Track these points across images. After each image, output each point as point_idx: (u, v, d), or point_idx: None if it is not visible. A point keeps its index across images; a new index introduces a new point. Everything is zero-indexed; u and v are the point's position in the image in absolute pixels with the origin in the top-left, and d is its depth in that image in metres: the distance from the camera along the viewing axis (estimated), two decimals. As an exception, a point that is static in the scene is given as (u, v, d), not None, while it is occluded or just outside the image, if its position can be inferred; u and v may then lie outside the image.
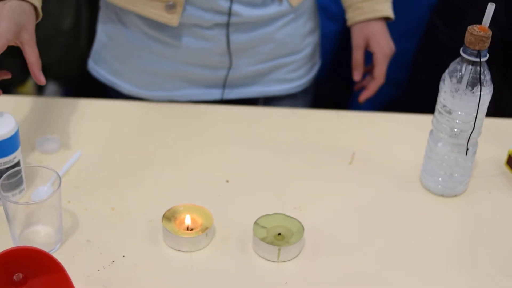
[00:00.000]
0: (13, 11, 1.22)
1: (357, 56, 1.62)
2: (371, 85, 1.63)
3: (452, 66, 1.25)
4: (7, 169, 1.24)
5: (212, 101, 1.62)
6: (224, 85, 1.60)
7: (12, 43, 1.23)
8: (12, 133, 1.22)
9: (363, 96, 1.65)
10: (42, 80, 1.25)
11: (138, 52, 1.56)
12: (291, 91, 1.67)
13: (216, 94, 1.62)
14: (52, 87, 2.85)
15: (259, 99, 1.67)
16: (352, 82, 2.64)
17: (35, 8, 1.27)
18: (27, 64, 1.25)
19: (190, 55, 1.54)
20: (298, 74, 1.66)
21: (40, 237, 1.20)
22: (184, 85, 1.59)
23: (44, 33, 2.52)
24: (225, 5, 1.46)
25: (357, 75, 1.63)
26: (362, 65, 1.63)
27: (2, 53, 2.58)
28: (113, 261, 1.18)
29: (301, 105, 1.70)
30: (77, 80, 2.67)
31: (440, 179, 1.35)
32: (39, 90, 2.85)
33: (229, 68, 1.56)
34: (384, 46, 1.60)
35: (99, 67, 1.66)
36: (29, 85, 2.82)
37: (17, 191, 1.27)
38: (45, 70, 2.73)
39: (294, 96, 1.68)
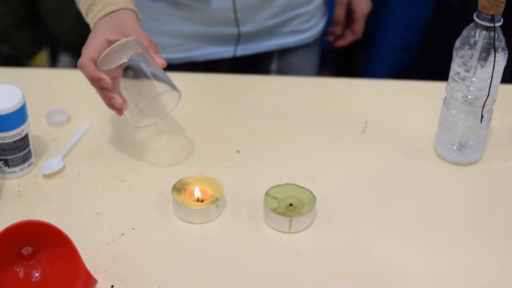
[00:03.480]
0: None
1: (339, 12, 1.77)
2: (349, 38, 1.81)
3: (465, 32, 1.22)
4: (15, 142, 1.23)
5: (227, 59, 1.63)
6: (237, 42, 1.60)
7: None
8: (19, 106, 1.21)
9: (339, 43, 1.83)
10: (162, 61, 1.23)
11: (157, 15, 1.55)
12: (304, 41, 1.68)
13: (229, 52, 1.62)
14: (65, 58, 2.84)
15: (274, 52, 1.67)
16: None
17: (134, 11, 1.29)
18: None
19: (202, 15, 1.53)
20: (310, 25, 1.67)
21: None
22: (201, 45, 1.59)
23: (55, 3, 2.52)
24: None
25: (337, 30, 1.80)
26: (343, 21, 1.78)
27: (12, 25, 2.58)
28: (122, 234, 1.17)
29: (314, 55, 1.73)
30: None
31: (454, 147, 1.32)
32: (53, 62, 2.84)
33: (238, 24, 1.56)
34: (362, 4, 1.75)
35: None
36: (42, 57, 2.81)
37: (25, 165, 1.26)
38: (57, 40, 2.72)
39: (307, 46, 1.69)
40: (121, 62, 1.18)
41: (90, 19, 1.27)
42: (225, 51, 1.61)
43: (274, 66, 1.69)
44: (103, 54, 1.18)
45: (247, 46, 1.62)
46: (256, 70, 1.65)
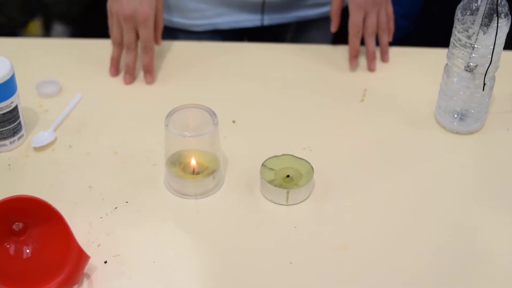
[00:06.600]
0: None
1: (333, 6, 1.50)
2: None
3: (467, -4, 1.19)
4: (4, 114, 1.19)
5: (251, 28, 1.61)
6: (262, 11, 1.58)
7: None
8: (8, 77, 1.18)
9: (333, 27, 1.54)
10: (158, 42, 1.41)
11: None
12: (324, 15, 1.65)
13: (255, 20, 1.60)
14: (58, 27, 2.80)
15: (291, 24, 1.66)
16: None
17: None
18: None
19: None
20: None
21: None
22: (225, 11, 1.57)
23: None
24: None
25: (333, 26, 1.52)
26: (337, 16, 1.51)
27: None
28: (116, 208, 1.15)
29: (329, 30, 1.63)
30: (82, 19, 2.62)
31: (455, 115, 1.30)
32: (46, 31, 2.80)
33: None
34: None
35: None
36: (35, 26, 2.77)
37: (15, 137, 1.23)
38: (48, 9, 2.69)
39: (325, 20, 1.64)
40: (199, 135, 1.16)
41: None
42: (251, 20, 1.59)
43: (289, 36, 1.68)
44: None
45: (272, 16, 1.60)
46: (273, 41, 1.62)
